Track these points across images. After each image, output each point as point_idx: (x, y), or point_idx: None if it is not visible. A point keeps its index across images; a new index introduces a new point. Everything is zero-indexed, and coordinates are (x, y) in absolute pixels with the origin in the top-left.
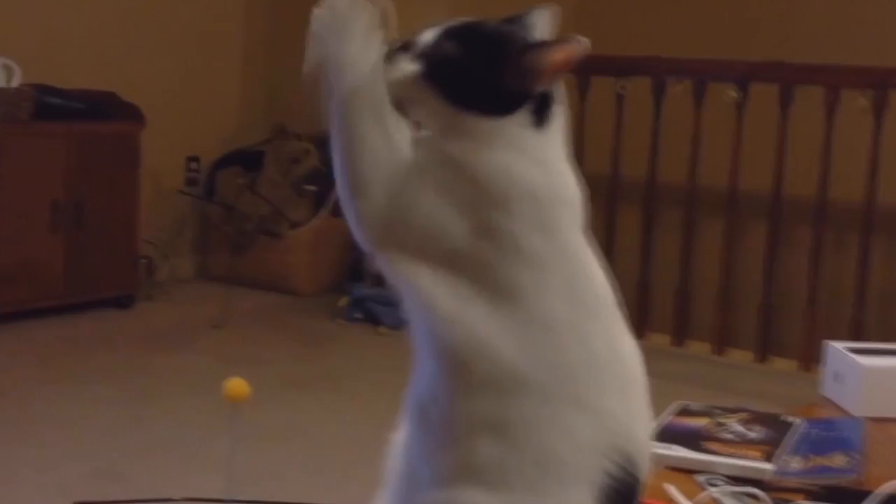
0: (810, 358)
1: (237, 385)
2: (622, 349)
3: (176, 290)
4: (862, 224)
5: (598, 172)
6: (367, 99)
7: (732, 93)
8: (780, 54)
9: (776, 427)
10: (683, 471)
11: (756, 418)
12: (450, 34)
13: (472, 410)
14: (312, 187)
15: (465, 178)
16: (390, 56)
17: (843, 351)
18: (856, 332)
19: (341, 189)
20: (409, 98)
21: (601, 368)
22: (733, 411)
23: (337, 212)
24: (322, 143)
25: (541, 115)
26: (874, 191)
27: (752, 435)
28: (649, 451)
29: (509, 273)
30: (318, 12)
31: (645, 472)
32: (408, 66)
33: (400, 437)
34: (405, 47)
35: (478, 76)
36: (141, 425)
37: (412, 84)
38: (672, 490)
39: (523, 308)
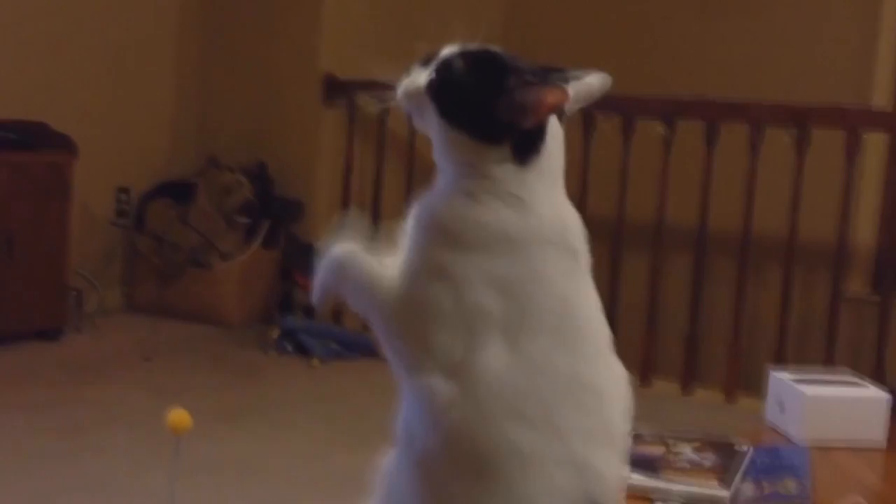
0: (734, 388)
1: (179, 416)
2: (609, 394)
3: (105, 321)
4: (784, 257)
5: None
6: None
7: (660, 129)
8: (706, 90)
9: (727, 454)
10: (642, 499)
11: (708, 445)
12: (464, 54)
13: (450, 447)
14: (244, 219)
15: (446, 230)
16: (414, 67)
17: (788, 381)
18: (777, 362)
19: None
20: (418, 108)
21: (587, 415)
22: (686, 439)
23: (268, 243)
24: (254, 174)
25: (525, 152)
26: (795, 224)
27: (707, 463)
28: (618, 495)
29: (498, 316)
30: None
31: None
32: (421, 77)
33: (388, 458)
34: (428, 59)
35: (471, 98)
36: (73, 459)
37: (420, 94)
38: None
39: (514, 349)
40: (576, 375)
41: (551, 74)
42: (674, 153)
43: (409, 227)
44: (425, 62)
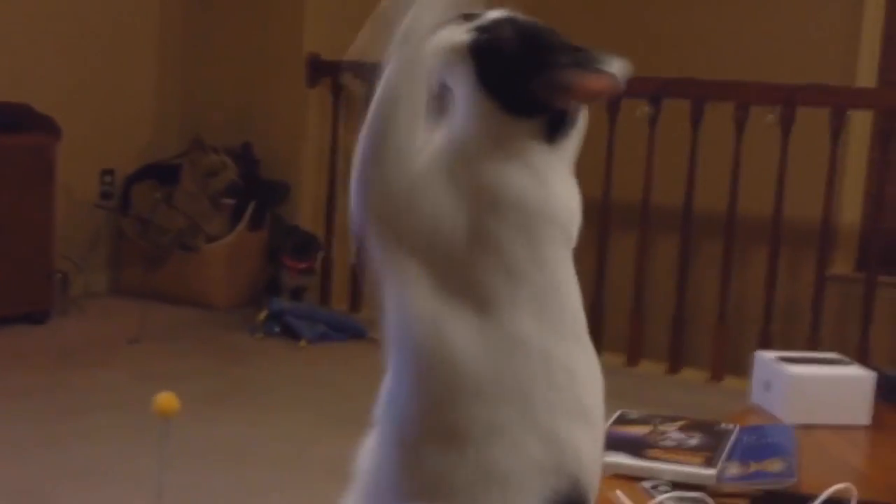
0: (720, 368)
1: (167, 399)
2: (583, 373)
3: (91, 305)
4: (770, 237)
5: None
6: (419, 78)
7: (645, 108)
8: (691, 71)
9: (713, 434)
10: (628, 478)
11: (693, 425)
12: (512, 21)
13: (426, 416)
14: (230, 200)
15: (471, 177)
16: (452, 21)
17: (773, 360)
18: (763, 342)
19: (366, 153)
20: (452, 65)
21: (557, 390)
22: (672, 419)
23: (254, 225)
24: (239, 155)
25: (555, 133)
26: (781, 204)
27: (692, 442)
28: (597, 474)
29: (489, 282)
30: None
31: (593, 495)
32: (462, 35)
33: (370, 438)
34: (468, 17)
35: (514, 69)
36: (60, 443)
37: (458, 53)
38: (622, 497)
39: (495, 320)
40: (548, 351)
41: (593, 59)
42: (659, 133)
43: (440, 151)
44: (466, 18)
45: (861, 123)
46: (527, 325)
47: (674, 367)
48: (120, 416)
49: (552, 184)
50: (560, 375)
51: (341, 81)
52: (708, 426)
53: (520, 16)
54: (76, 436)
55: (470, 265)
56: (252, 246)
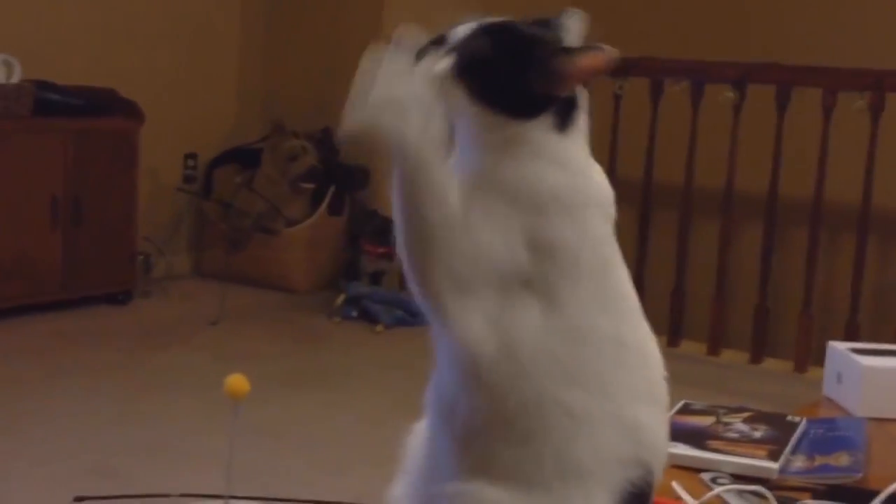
0: (805, 359)
1: (237, 381)
2: (649, 353)
3: (172, 286)
4: (858, 225)
5: None
6: (431, 172)
7: (729, 94)
8: (776, 56)
9: (779, 426)
10: (689, 469)
11: (759, 417)
12: (483, 31)
13: (494, 410)
14: (310, 185)
15: (499, 194)
16: (425, 50)
17: (845, 351)
18: (851, 333)
19: (410, 250)
20: (444, 96)
21: (627, 374)
22: (736, 410)
23: (334, 210)
24: (319, 140)
25: (564, 120)
26: (870, 192)
27: (757, 434)
28: (666, 458)
29: (549, 275)
30: (371, 68)
31: (660, 478)
32: (441, 62)
33: (422, 427)
34: (438, 42)
35: (505, 76)
36: (137, 421)
37: (444, 81)
38: (679, 489)
39: (559, 311)
40: (618, 335)
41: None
42: (744, 119)
43: (465, 178)
44: (436, 43)
45: None
46: (593, 316)
47: (756, 357)
48: (198, 395)
49: (577, 168)
50: (631, 357)
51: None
52: (774, 418)
53: (485, 20)
54: (154, 414)
55: (532, 270)
56: (331, 230)
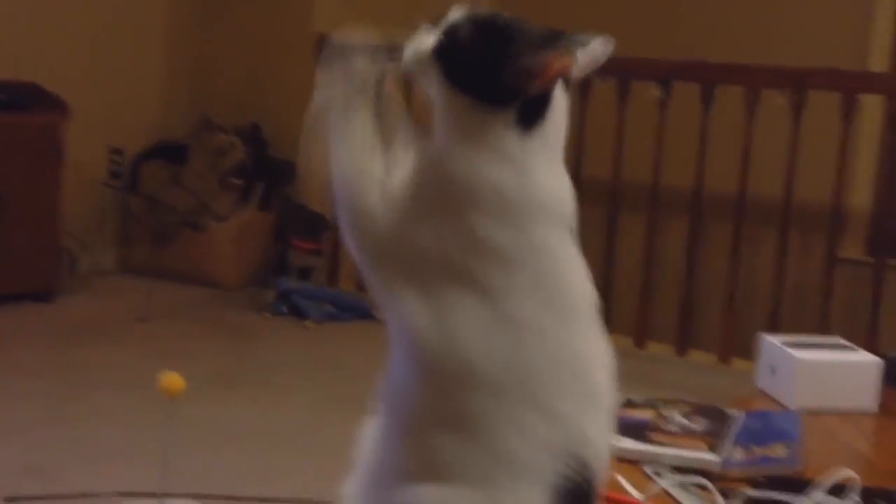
0: (729, 351)
1: (172, 379)
2: (588, 354)
3: (98, 283)
4: (779, 220)
5: None
6: (357, 106)
7: (655, 91)
8: (702, 54)
9: (717, 418)
10: (631, 462)
11: (697, 410)
12: (471, 18)
13: (436, 405)
14: (238, 180)
15: (449, 182)
16: (421, 30)
17: (779, 345)
18: (772, 325)
19: (339, 200)
20: (423, 71)
21: (564, 372)
22: (675, 403)
23: (262, 205)
24: (247, 135)
25: (529, 120)
26: (791, 187)
27: (696, 427)
28: (606, 457)
29: (485, 274)
30: (320, 95)
31: (600, 476)
32: (427, 41)
33: (372, 425)
34: (436, 23)
35: (477, 62)
36: (67, 421)
37: (426, 58)
38: (624, 482)
39: (497, 309)
40: (562, 340)
41: (558, 39)
42: (670, 116)
43: (413, 172)
44: (433, 25)
45: (873, 107)
46: (529, 310)
47: (682, 349)
48: (127, 394)
49: (532, 170)
50: (567, 357)
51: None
52: (713, 411)
53: (479, 10)
54: (83, 414)
55: (466, 264)
56: (260, 225)
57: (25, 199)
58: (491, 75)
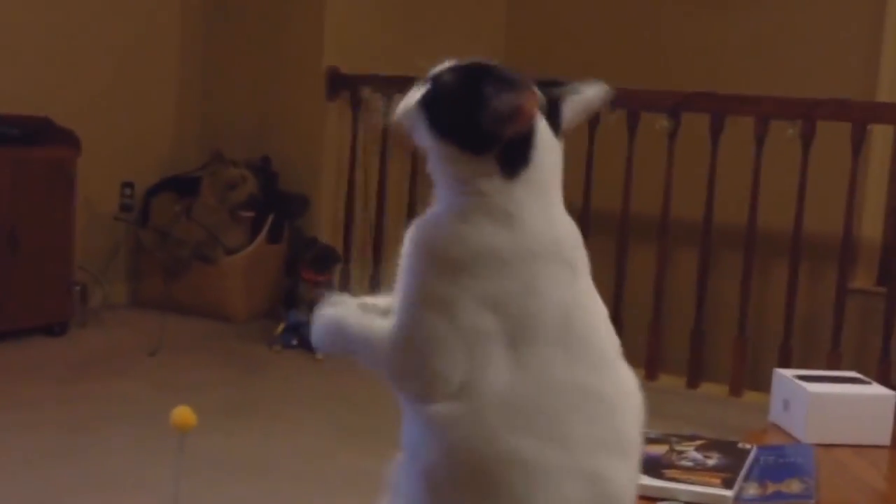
0: (740, 383)
1: (184, 413)
2: (619, 400)
3: (109, 316)
4: (790, 250)
5: None
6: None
7: (664, 122)
8: (711, 85)
9: (731, 454)
10: (645, 498)
11: (711, 445)
12: (453, 68)
13: (458, 470)
14: (249, 213)
15: (445, 266)
16: (413, 84)
17: (792, 378)
18: (783, 356)
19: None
20: (412, 124)
21: (595, 424)
22: (690, 438)
23: (273, 238)
24: (258, 168)
25: (513, 164)
26: (801, 219)
27: (710, 462)
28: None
29: (506, 338)
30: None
31: None
32: (416, 95)
33: (396, 466)
34: (426, 78)
35: (456, 109)
36: (78, 454)
37: (414, 110)
38: None
39: (522, 370)
40: (582, 385)
41: (528, 83)
42: (679, 147)
43: (404, 252)
44: (424, 81)
45: (882, 137)
46: (550, 361)
47: (693, 382)
48: (138, 427)
49: (522, 218)
50: (596, 407)
51: (360, 95)
52: (726, 446)
53: (464, 60)
54: (94, 447)
55: (490, 328)
56: (270, 258)
57: (37, 233)
58: (469, 122)
